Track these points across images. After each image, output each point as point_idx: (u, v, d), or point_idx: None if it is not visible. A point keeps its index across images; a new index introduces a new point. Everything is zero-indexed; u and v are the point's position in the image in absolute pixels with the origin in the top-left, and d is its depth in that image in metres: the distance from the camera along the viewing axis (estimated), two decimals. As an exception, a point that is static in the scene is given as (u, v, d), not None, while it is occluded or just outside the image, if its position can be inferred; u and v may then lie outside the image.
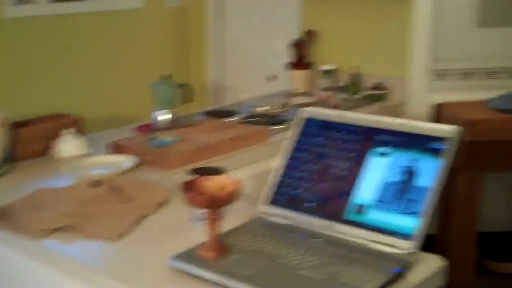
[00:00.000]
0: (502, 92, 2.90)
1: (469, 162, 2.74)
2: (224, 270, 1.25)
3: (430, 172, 1.35)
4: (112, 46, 3.72)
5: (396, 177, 1.38)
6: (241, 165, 2.13)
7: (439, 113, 3.01)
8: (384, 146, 1.42)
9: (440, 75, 3.05)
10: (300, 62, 3.31)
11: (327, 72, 3.23)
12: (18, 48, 3.32)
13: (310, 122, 1.56)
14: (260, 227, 1.46)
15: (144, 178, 1.88)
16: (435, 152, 1.36)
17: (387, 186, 1.38)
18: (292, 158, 1.55)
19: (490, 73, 3.05)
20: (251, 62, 3.87)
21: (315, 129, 1.55)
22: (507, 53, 3.03)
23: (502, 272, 3.00)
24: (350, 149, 1.47)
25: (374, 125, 1.46)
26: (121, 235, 1.49)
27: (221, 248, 1.32)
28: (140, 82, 3.29)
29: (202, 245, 1.33)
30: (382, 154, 1.42)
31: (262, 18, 3.79)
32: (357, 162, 1.44)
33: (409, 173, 1.37)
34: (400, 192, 1.36)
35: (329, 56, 3.31)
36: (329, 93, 3.11)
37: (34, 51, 3.38)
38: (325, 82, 3.24)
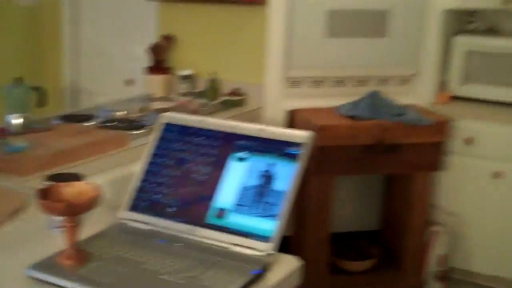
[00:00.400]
0: (350, 99, 3.08)
1: (321, 166, 2.89)
2: (84, 278, 1.23)
3: (286, 176, 1.41)
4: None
5: (255, 181, 1.43)
6: (100, 171, 2.10)
7: (293, 119, 3.15)
8: (243, 151, 1.47)
9: (294, 82, 3.19)
10: (158, 66, 3.31)
11: (185, 77, 3.26)
12: None
13: (170, 127, 1.58)
14: (121, 233, 1.45)
15: (-4, 185, 1.80)
16: (291, 156, 1.43)
17: (246, 190, 1.43)
18: (152, 163, 1.55)
19: (339, 81, 3.24)
20: (108, 66, 3.81)
21: (175, 134, 1.56)
22: (354, 62, 3.23)
23: (353, 270, 3.18)
24: (210, 154, 1.50)
25: (233, 131, 1.50)
26: (-29, 246, 1.41)
27: (80, 256, 1.30)
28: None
29: (61, 253, 1.30)
30: (241, 159, 1.47)
31: (118, 22, 3.75)
32: (217, 167, 1.48)
33: (267, 177, 1.42)
34: (258, 195, 1.41)
35: (187, 61, 3.34)
36: (187, 98, 3.15)
37: None
38: (183, 87, 3.27)
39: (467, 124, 3.15)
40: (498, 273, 3.19)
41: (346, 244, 3.31)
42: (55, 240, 1.39)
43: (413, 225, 3.10)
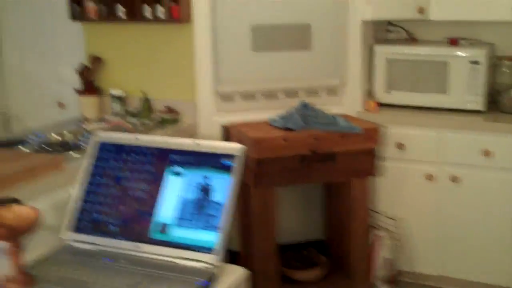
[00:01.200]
0: (283, 111, 3.16)
1: (259, 179, 2.94)
2: (31, 301, 1.24)
3: (223, 188, 1.46)
4: None
5: (193, 195, 1.46)
6: (38, 195, 2.07)
7: (229, 134, 3.20)
8: (179, 166, 1.51)
9: (226, 97, 3.24)
10: (89, 88, 3.30)
11: (117, 98, 3.26)
12: None
13: (105, 147, 1.60)
14: (67, 255, 1.46)
15: None
16: (226, 168, 1.48)
17: (185, 203, 1.46)
18: (90, 183, 1.57)
19: (270, 94, 3.31)
20: (36, 89, 3.76)
21: (110, 153, 1.58)
22: (282, 75, 3.31)
23: (302, 279, 3.24)
24: (146, 171, 1.53)
25: (167, 146, 1.54)
26: None
27: (27, 280, 1.30)
28: None
29: (7, 279, 1.30)
30: (177, 174, 1.50)
31: (44, 44, 3.71)
32: (154, 182, 1.51)
33: (204, 190, 1.46)
34: (198, 208, 1.45)
35: (117, 82, 3.34)
36: (121, 118, 3.15)
37: None
38: (116, 107, 3.26)
39: (397, 130, 3.29)
40: (444, 272, 3.33)
41: (294, 254, 3.38)
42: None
43: (356, 232, 3.18)
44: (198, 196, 1.46)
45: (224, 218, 1.42)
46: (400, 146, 3.28)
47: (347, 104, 3.44)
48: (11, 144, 2.67)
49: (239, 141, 2.99)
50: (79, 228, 1.52)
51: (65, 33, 3.57)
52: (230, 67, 3.22)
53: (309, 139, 2.97)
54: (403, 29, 3.78)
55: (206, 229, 1.42)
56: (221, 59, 3.19)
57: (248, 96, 3.28)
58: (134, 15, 3.14)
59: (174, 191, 1.49)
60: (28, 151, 2.53)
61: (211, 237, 1.41)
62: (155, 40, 3.25)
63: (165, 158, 1.53)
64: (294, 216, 3.55)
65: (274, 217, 3.03)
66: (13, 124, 3.82)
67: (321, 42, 3.34)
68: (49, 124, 3.11)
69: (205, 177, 1.48)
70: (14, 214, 1.33)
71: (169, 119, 3.16)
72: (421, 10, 3.40)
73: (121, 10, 3.16)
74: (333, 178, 3.14)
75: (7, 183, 2.07)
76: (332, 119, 3.10)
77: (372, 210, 3.33)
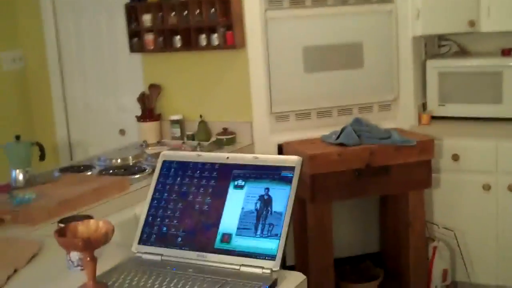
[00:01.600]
0: (337, 128, 3.22)
1: (315, 194, 3.00)
2: (106, 307, 1.33)
3: (282, 198, 1.52)
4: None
5: (254, 206, 1.54)
6: (106, 214, 2.20)
7: (284, 152, 3.27)
8: (240, 179, 1.59)
9: (280, 117, 3.33)
10: (149, 114, 3.44)
11: (176, 122, 3.38)
12: None
13: (170, 165, 1.69)
14: (135, 265, 1.55)
15: (8, 236, 1.89)
16: (285, 179, 1.54)
17: (246, 214, 1.54)
18: (157, 199, 1.66)
19: (324, 112, 3.38)
20: (98, 118, 3.94)
21: (175, 170, 1.68)
22: (335, 93, 3.37)
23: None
24: (209, 185, 1.61)
25: (228, 162, 1.62)
26: (-4, 290, 1.51)
27: (100, 288, 1.40)
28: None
29: (82, 286, 1.40)
30: (240, 187, 1.58)
31: (105, 75, 3.89)
32: (218, 196, 1.59)
33: (265, 201, 1.54)
34: (259, 218, 1.52)
35: (176, 107, 3.48)
36: (180, 141, 3.27)
37: None
38: (174, 131, 3.39)
39: (451, 142, 3.30)
40: (501, 282, 3.29)
41: (350, 267, 3.41)
42: (75, 277, 1.49)
43: (412, 243, 3.19)
44: (258, 206, 1.54)
45: (284, 226, 1.49)
46: (455, 157, 3.28)
47: (400, 118, 3.47)
48: (78, 169, 2.81)
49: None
50: (147, 240, 1.61)
51: (124, 65, 3.74)
52: (283, 88, 3.31)
53: (363, 154, 3.02)
54: (455, 42, 3.80)
55: (266, 238, 1.49)
56: (275, 81, 3.28)
57: (302, 115, 3.36)
58: (190, 44, 3.28)
59: (237, 203, 1.56)
60: (95, 175, 2.67)
61: (272, 245, 1.47)
62: (210, 66, 3.38)
63: (228, 173, 1.61)
64: (350, 230, 3.59)
65: (331, 231, 3.07)
66: (75, 152, 4.00)
67: (373, 59, 3.40)
68: (112, 149, 3.25)
69: (266, 188, 1.55)
70: (89, 227, 1.43)
71: (226, 140, 3.26)
72: (471, 24, 3.42)
73: (177, 40, 3.30)
74: (389, 191, 3.17)
75: (78, 204, 2.20)
76: (386, 133, 3.14)
77: (429, 222, 3.33)
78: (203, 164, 1.66)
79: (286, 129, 3.34)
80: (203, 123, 3.32)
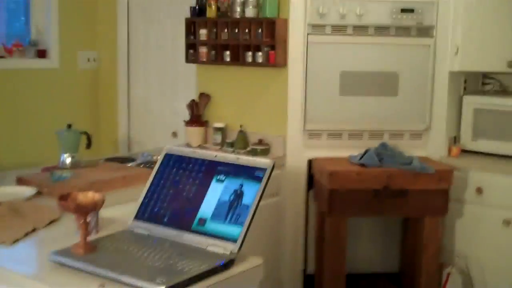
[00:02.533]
0: (362, 150, 3.44)
1: (333, 208, 3.24)
2: (88, 261, 1.65)
3: (252, 193, 1.79)
4: (32, 100, 4.13)
5: (228, 197, 1.82)
6: (129, 200, 2.50)
7: (312, 166, 3.52)
8: (222, 174, 1.87)
9: (313, 134, 3.58)
10: (196, 120, 3.78)
11: (218, 129, 3.71)
12: None
13: (169, 157, 2.00)
14: (126, 236, 1.86)
15: (41, 204, 2.26)
16: (257, 179, 1.82)
17: (221, 203, 1.82)
18: (155, 185, 1.97)
19: (355, 134, 3.61)
20: (155, 119, 4.33)
21: (172, 162, 1.98)
22: (367, 117, 3.59)
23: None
24: (197, 177, 1.91)
25: (215, 159, 1.91)
26: (15, 241, 1.86)
27: (89, 247, 1.71)
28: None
29: (75, 244, 1.73)
30: (221, 181, 1.87)
31: (164, 81, 4.30)
32: (202, 186, 1.88)
33: (237, 194, 1.81)
34: (230, 208, 1.80)
35: (220, 115, 3.81)
36: (219, 147, 3.59)
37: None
38: (216, 138, 3.71)
39: (477, 175, 3.44)
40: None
41: (366, 283, 3.59)
42: (77, 239, 1.82)
43: (427, 267, 3.35)
44: (232, 198, 1.81)
45: (248, 217, 1.76)
46: (479, 190, 3.42)
47: (431, 148, 3.64)
48: (122, 160, 3.18)
49: (319, 172, 3.32)
50: (141, 218, 1.92)
51: (182, 73, 4.11)
52: (318, 108, 3.56)
53: (382, 175, 3.23)
54: (498, 81, 3.93)
55: (233, 224, 1.76)
56: (311, 100, 3.54)
57: (334, 135, 3.60)
58: (238, 59, 3.60)
59: (215, 194, 1.85)
60: (132, 166, 3.02)
61: (236, 231, 1.75)
62: (254, 81, 3.69)
63: (214, 169, 1.90)
64: (371, 246, 3.78)
65: (345, 245, 3.29)
66: (133, 147, 4.41)
67: (408, 89, 3.59)
68: (159, 148, 3.60)
69: (241, 184, 1.83)
70: (86, 196, 1.76)
71: (260, 150, 3.54)
72: (510, 64, 3.55)
73: (227, 55, 3.63)
74: (405, 214, 3.35)
75: (106, 186, 2.54)
76: (407, 159, 3.33)
77: (446, 249, 3.47)
78: (196, 159, 1.95)
79: (317, 146, 3.58)
80: (242, 133, 3.62)
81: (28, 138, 4.10)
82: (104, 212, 1.97)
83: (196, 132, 3.76)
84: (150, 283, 1.53)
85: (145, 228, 1.90)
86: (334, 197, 3.21)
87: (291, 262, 3.60)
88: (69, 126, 2.94)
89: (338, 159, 3.46)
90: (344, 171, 3.24)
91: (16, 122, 4.05)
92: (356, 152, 3.45)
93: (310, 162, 3.56)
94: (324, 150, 3.56)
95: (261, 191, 1.80)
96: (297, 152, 3.58)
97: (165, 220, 1.88)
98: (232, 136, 3.69)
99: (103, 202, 1.73)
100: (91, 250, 1.71)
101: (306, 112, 3.55)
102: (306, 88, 3.53)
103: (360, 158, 3.32)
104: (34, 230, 1.98)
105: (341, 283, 3.32)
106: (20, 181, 2.56)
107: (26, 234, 1.93)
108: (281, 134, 3.60)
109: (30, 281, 1.64)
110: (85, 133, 2.97)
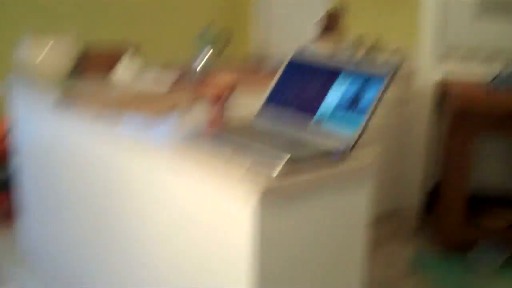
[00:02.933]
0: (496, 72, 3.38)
1: (458, 128, 3.24)
2: (219, 135, 1.86)
3: (372, 96, 1.90)
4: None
5: (350, 98, 1.93)
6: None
7: (442, 85, 3.52)
8: (347, 77, 1.99)
9: (446, 54, 3.55)
10: (330, 31, 3.86)
11: (351, 42, 3.77)
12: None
13: (293, 62, 2.15)
14: (250, 126, 2.05)
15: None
16: (378, 81, 1.91)
17: (341, 104, 1.94)
18: (281, 79, 2.14)
19: (491, 58, 3.53)
20: (292, 31, 4.46)
21: (300, 66, 2.13)
22: (506, 40, 3.50)
23: (489, 227, 3.42)
24: (323, 78, 2.04)
25: (338, 64, 2.03)
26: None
27: (222, 124, 1.92)
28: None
29: (208, 121, 1.94)
30: (344, 83, 1.99)
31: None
32: (327, 86, 2.01)
33: (358, 96, 1.92)
34: (351, 105, 1.92)
35: (354, 25, 3.86)
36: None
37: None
38: (348, 50, 3.78)
39: None
40: None
41: (487, 204, 3.61)
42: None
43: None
44: (351, 100, 1.93)
45: (366, 117, 1.87)
46: None
47: None
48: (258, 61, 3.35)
49: (447, 92, 3.32)
50: (270, 103, 2.11)
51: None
52: (455, 27, 3.50)
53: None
54: None
55: (351, 123, 1.89)
56: (448, 18, 3.49)
57: (467, 57, 3.54)
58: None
59: (338, 93, 1.98)
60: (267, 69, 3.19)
61: (352, 129, 1.87)
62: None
63: (337, 72, 2.02)
64: (497, 167, 3.77)
65: (470, 164, 3.29)
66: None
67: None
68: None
69: (360, 87, 1.94)
70: (224, 80, 1.95)
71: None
72: None
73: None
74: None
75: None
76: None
77: None
78: (319, 63, 2.08)
79: (450, 67, 3.56)
80: (376, 41, 3.68)
81: (170, 36, 4.34)
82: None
83: (327, 43, 3.85)
84: (278, 151, 1.72)
85: (273, 113, 2.08)
86: (460, 117, 3.21)
87: (412, 179, 3.68)
88: (212, 23, 3.13)
89: (469, 80, 3.44)
90: (472, 91, 3.22)
91: (160, 21, 4.28)
92: (488, 76, 3.41)
93: (439, 81, 3.56)
94: (456, 70, 3.54)
95: (381, 94, 1.90)
96: (428, 70, 3.58)
97: (290, 109, 2.05)
98: (365, 47, 3.75)
99: (237, 85, 1.92)
100: (222, 128, 1.92)
101: (442, 32, 3.52)
102: (445, 8, 3.48)
103: (493, 80, 3.28)
104: (173, 106, 2.23)
105: (462, 204, 3.33)
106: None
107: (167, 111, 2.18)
108: (413, 51, 3.61)
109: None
110: (224, 31, 3.16)
